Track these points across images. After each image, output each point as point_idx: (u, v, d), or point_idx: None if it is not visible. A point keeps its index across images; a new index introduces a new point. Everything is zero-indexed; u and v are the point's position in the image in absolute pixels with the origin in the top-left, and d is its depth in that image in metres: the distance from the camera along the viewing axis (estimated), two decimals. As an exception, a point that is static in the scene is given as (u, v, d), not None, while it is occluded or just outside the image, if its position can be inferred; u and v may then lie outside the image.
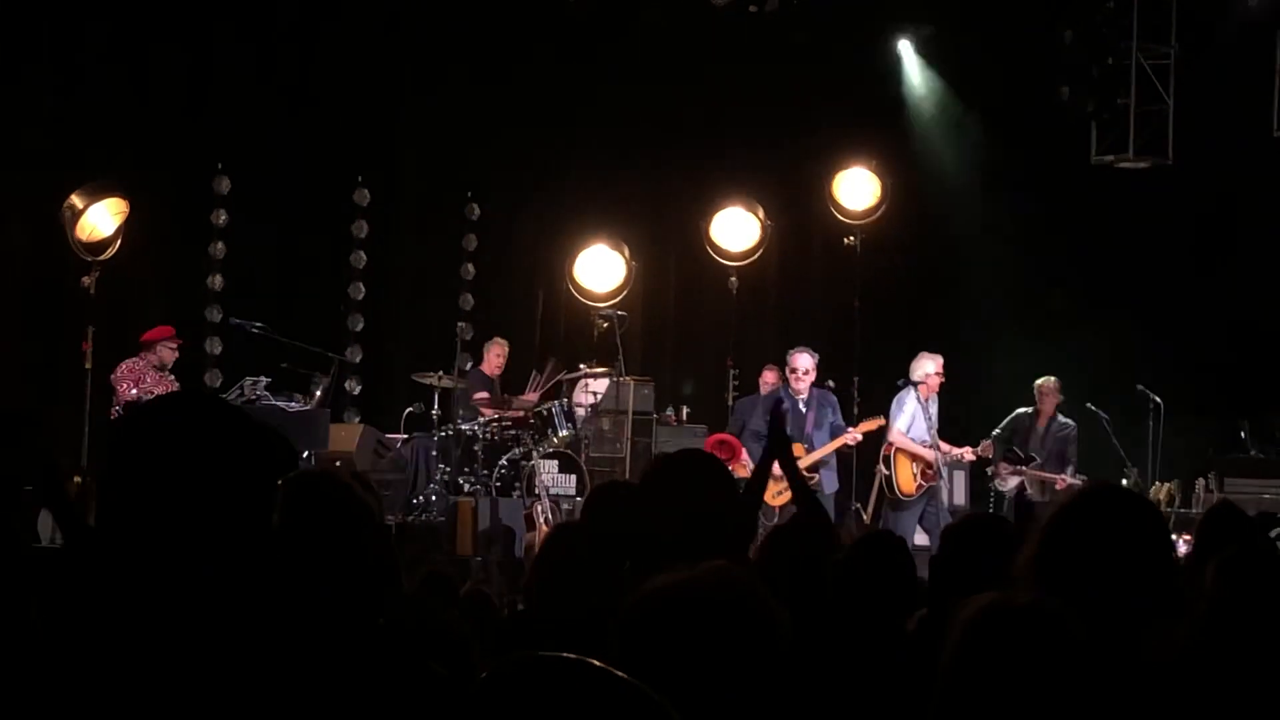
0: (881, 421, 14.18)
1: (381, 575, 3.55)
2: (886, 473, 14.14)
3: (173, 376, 14.27)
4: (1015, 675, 2.60)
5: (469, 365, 16.23)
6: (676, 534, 4.43)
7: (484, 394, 15.42)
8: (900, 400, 14.16)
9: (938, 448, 14.15)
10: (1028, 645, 2.61)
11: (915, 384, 14.11)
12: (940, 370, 14.18)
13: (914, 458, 14.06)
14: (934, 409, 14.27)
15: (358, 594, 3.34)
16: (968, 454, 14.47)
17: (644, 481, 4.69)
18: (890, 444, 14.12)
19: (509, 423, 15.10)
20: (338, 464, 14.61)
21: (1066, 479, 14.22)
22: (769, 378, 15.37)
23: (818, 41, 17.29)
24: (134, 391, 13.83)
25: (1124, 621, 3.20)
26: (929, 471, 14.10)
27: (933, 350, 14.39)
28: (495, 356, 15.96)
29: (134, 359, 14.05)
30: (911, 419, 14.08)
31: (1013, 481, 14.57)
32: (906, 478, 14.08)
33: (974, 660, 2.64)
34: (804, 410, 13.95)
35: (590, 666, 2.09)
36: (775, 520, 13.76)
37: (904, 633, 4.68)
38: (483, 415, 15.17)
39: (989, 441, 14.61)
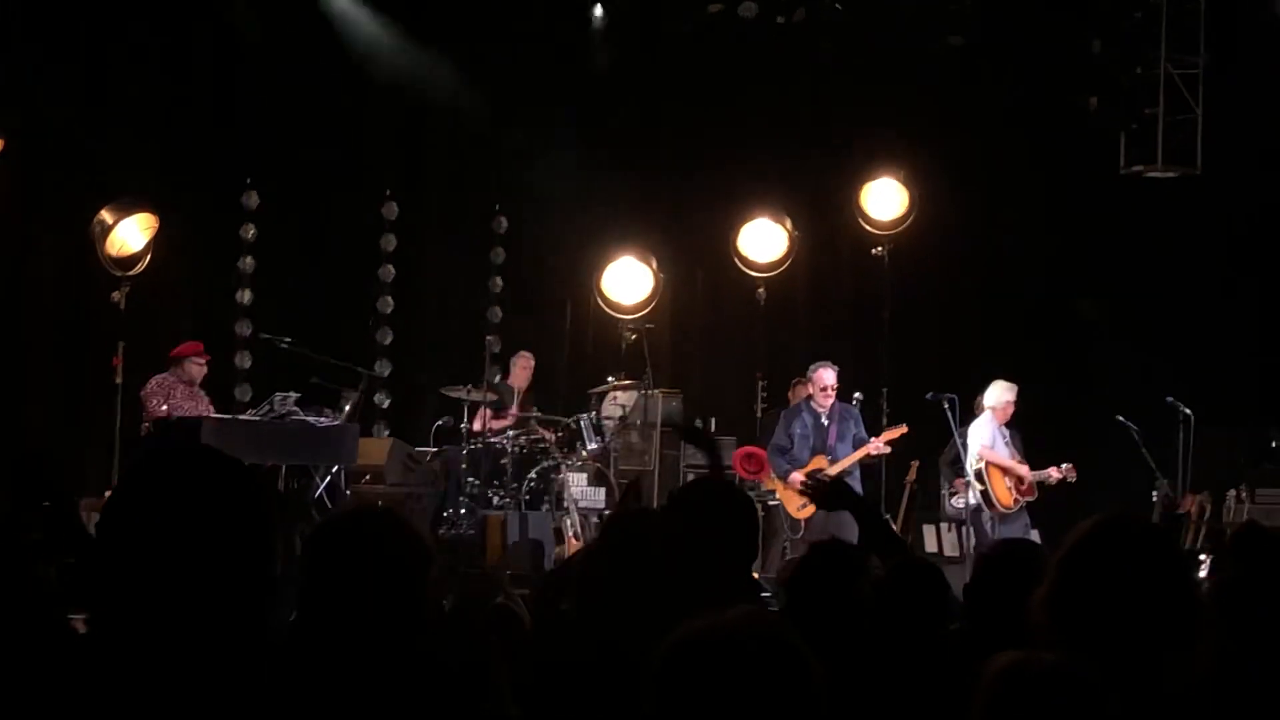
0: (904, 429, 14.19)
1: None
2: (981, 487, 14.11)
3: (203, 392, 14.30)
4: None
5: (497, 378, 16.24)
6: (693, 563, 4.44)
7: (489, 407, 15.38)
8: (977, 424, 14.16)
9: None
10: (1051, 709, 2.58)
11: (990, 409, 14.17)
12: (1015, 399, 14.22)
13: (1005, 472, 14.07)
14: (1006, 433, 14.31)
15: (401, 635, 3.34)
16: (1054, 473, 14.38)
17: (666, 510, 4.71)
18: (980, 457, 14.07)
19: (538, 435, 15.12)
20: (366, 477, 14.63)
21: (1056, 473, 14.26)
22: (800, 392, 15.37)
23: (844, 52, 17.27)
24: (164, 408, 13.86)
25: (1143, 660, 3.17)
26: (1023, 486, 14.11)
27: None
28: (521, 370, 15.96)
29: (163, 375, 14.08)
30: (993, 438, 14.09)
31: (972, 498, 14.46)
32: (1002, 490, 14.09)
33: None
34: (826, 424, 13.96)
35: None
36: (801, 534, 13.78)
37: (935, 659, 4.66)
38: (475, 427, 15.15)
39: (1070, 465, 14.49)
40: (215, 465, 2.62)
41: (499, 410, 15.48)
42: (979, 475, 14.11)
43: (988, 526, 14.17)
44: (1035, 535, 13.69)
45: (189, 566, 2.49)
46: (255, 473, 2.68)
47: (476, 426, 15.13)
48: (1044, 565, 4.72)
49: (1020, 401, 14.68)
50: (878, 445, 13.99)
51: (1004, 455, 14.18)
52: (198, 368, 14.20)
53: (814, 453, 13.83)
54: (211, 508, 2.54)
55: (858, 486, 14.04)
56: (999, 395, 14.26)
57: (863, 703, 4.36)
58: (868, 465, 14.34)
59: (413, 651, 3.24)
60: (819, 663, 2.57)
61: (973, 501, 14.25)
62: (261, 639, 2.59)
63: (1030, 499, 14.18)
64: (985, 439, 14.10)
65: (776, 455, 13.95)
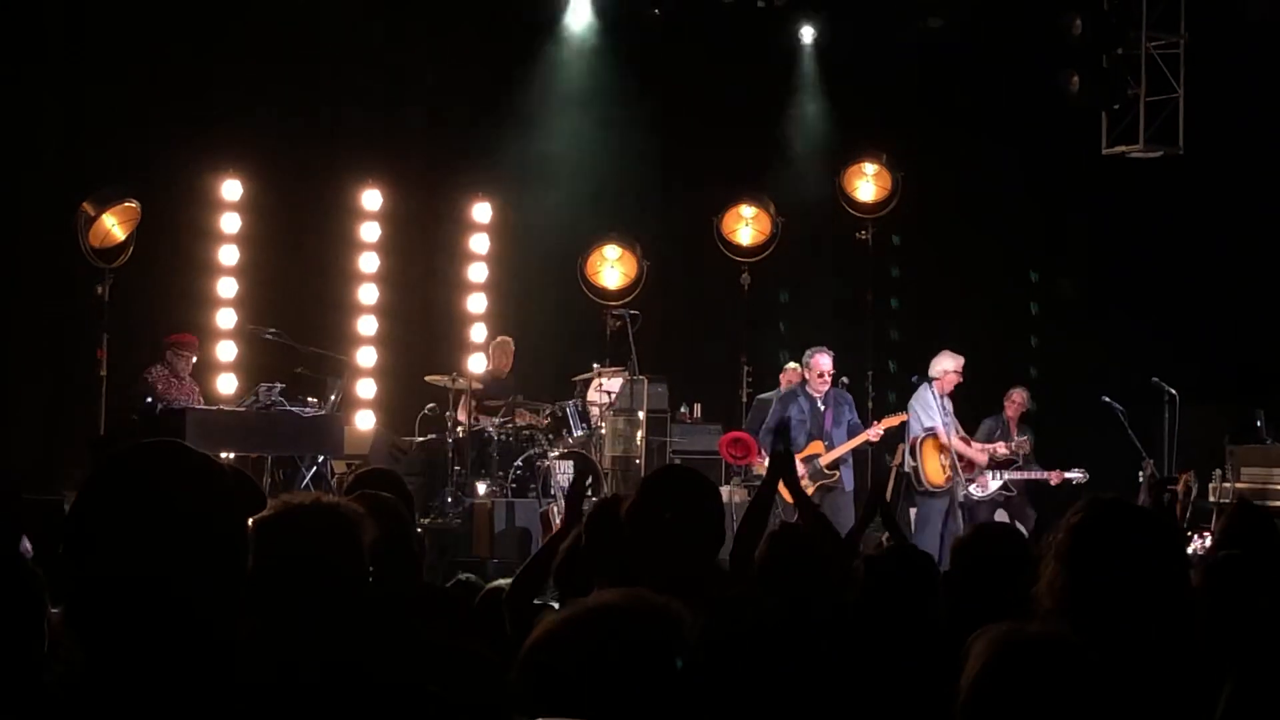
0: (904, 417, 14.22)
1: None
2: (914, 464, 14.15)
3: (190, 381, 14.30)
4: (1036, 709, 2.57)
5: (483, 367, 16.23)
6: (663, 550, 4.46)
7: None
8: (921, 396, 14.18)
9: (967, 443, 14.28)
10: (1045, 679, 2.58)
11: (931, 380, 14.17)
12: (960, 370, 14.27)
13: (943, 450, 14.10)
14: (949, 406, 14.34)
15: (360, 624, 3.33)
16: (1000, 449, 14.52)
17: (635, 501, 4.69)
18: (915, 437, 14.14)
19: (523, 423, 15.12)
20: (352, 466, 14.62)
21: (1063, 474, 14.44)
22: (791, 378, 15.42)
23: (828, 34, 17.26)
24: (149, 399, 13.88)
25: (1143, 639, 3.18)
26: (961, 463, 14.18)
27: (952, 347, 14.47)
28: (500, 355, 15.94)
29: (157, 366, 14.13)
30: (938, 414, 14.12)
31: (994, 486, 14.64)
32: (935, 469, 14.13)
33: (993, 694, 2.60)
34: (822, 409, 13.98)
35: None
36: (795, 517, 13.77)
37: (922, 643, 4.66)
38: (459, 417, 15.13)
39: (1025, 438, 14.65)
40: (182, 460, 2.59)
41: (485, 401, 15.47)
42: (912, 451, 14.15)
43: (926, 500, 14.20)
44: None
45: (156, 563, 2.47)
46: (224, 467, 2.64)
47: (461, 415, 15.13)
48: (1022, 548, 4.75)
49: (1003, 381, 14.78)
50: (876, 432, 14.04)
51: (946, 432, 14.19)
52: (179, 359, 14.22)
53: (810, 438, 13.86)
54: (179, 503, 2.52)
55: (851, 473, 14.09)
56: (941, 366, 14.28)
57: (852, 686, 4.37)
58: (859, 452, 14.38)
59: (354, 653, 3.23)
60: (682, 630, 2.56)
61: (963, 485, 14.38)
62: (233, 634, 2.58)
63: (968, 476, 14.24)
64: (934, 419, 14.12)
65: (771, 437, 13.91)
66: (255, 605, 3.20)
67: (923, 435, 14.14)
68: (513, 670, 2.55)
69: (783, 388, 15.53)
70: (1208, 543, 10.77)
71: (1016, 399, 15.37)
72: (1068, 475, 14.58)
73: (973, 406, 15.16)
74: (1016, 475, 14.80)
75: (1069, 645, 2.62)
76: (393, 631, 3.52)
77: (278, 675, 3.01)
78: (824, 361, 14.01)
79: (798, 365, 15.47)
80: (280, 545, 3.40)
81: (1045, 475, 14.68)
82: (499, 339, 16.13)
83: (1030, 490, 14.90)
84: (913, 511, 15.05)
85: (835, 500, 13.77)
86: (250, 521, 3.35)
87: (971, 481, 14.47)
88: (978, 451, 14.44)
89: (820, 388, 13.99)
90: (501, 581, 5.79)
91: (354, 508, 3.63)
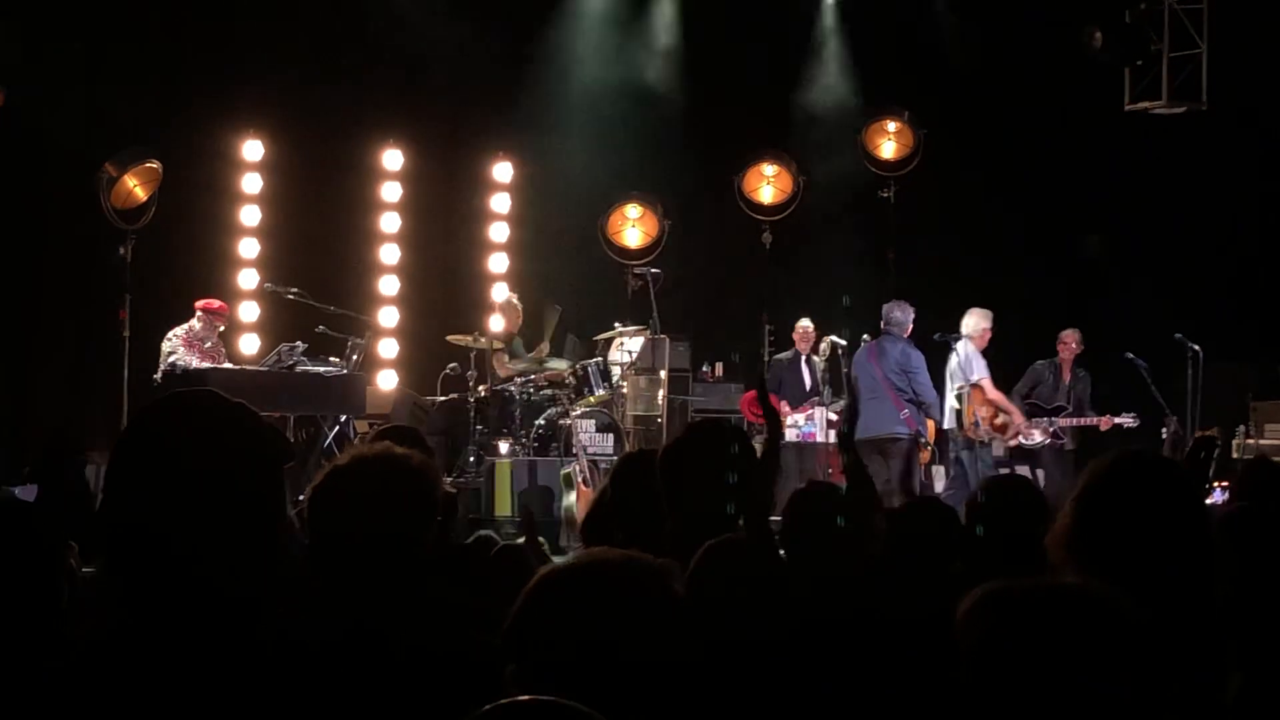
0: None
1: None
2: (958, 407, 14.18)
3: (216, 343, 14.34)
4: (1021, 662, 2.54)
5: (503, 326, 16.24)
6: (695, 506, 4.46)
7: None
8: (967, 352, 14.19)
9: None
10: (1031, 631, 2.55)
11: (969, 338, 14.19)
12: (991, 326, 14.38)
13: (986, 403, 14.13)
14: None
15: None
16: (1036, 434, 14.67)
17: (668, 450, 4.69)
18: (977, 384, 14.16)
19: (545, 382, 15.12)
20: (374, 425, 14.64)
21: (1113, 419, 14.48)
22: (806, 336, 15.43)
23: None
24: (171, 359, 13.93)
25: (1159, 592, 3.17)
26: (996, 422, 14.20)
27: (972, 302, 14.52)
28: (511, 314, 15.95)
29: (182, 328, 14.18)
30: (985, 367, 14.22)
31: (1038, 435, 14.64)
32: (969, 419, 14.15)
33: (978, 650, 2.58)
34: None
35: (576, 712, 2.04)
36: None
37: (939, 595, 4.66)
38: (500, 373, 15.17)
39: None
40: (218, 409, 2.61)
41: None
42: (959, 397, 14.16)
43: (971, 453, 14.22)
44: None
45: (197, 511, 2.48)
46: (259, 415, 2.65)
47: (500, 372, 15.10)
48: (1038, 500, 4.73)
49: (1032, 339, 14.75)
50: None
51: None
52: (203, 326, 14.26)
53: None
54: (218, 450, 2.53)
55: None
56: (976, 323, 14.30)
57: (872, 643, 4.37)
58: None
59: (412, 597, 3.25)
60: (676, 594, 2.56)
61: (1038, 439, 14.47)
62: (273, 581, 2.59)
63: (994, 437, 14.25)
64: (983, 370, 14.16)
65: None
66: (322, 554, 3.22)
67: (969, 387, 14.13)
68: (505, 622, 2.55)
69: (798, 346, 15.58)
70: (1220, 498, 10.80)
71: (1069, 340, 15.28)
72: (1118, 420, 14.60)
73: (996, 363, 15.14)
74: (1066, 422, 14.80)
75: (1061, 596, 2.58)
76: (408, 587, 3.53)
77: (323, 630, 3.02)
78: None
79: (809, 323, 15.55)
80: (355, 494, 3.41)
81: (1095, 421, 14.68)
82: (508, 296, 16.19)
83: (1081, 437, 14.92)
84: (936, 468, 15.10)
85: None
86: (325, 471, 3.38)
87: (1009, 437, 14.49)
88: (1018, 410, 14.45)
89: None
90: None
91: (425, 458, 3.62)
